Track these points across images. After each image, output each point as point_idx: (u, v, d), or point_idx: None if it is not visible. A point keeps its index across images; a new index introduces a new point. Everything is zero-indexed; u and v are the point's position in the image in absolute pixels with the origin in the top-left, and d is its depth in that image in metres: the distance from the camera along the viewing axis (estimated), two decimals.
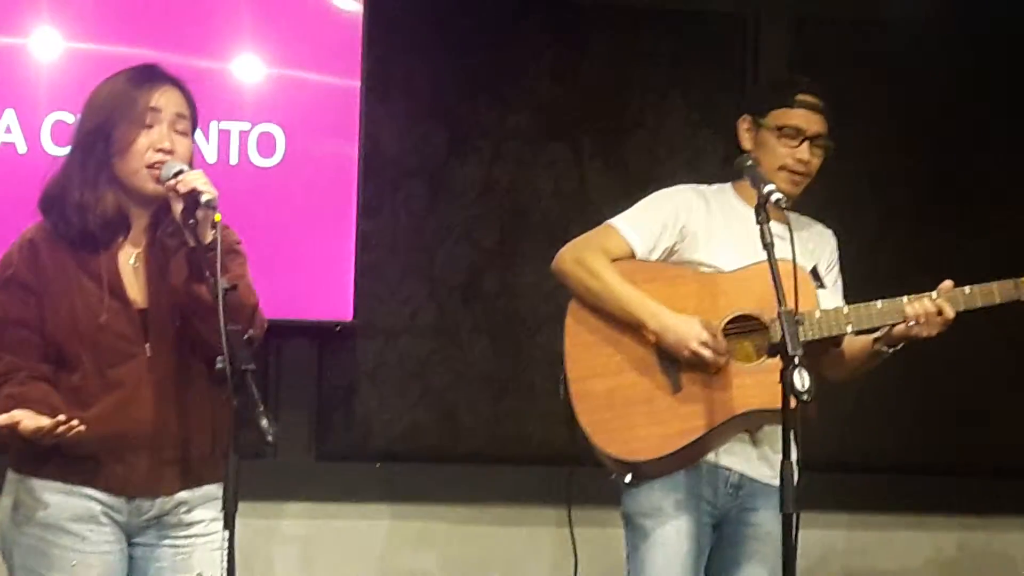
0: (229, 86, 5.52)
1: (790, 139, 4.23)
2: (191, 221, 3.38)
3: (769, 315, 4.02)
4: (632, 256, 4.20)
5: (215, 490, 3.48)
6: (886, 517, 6.05)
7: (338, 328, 5.63)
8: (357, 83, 5.57)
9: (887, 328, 4.11)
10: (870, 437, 5.92)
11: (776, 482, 4.02)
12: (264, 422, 3.19)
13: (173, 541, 3.55)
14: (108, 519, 3.49)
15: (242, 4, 5.55)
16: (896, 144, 6.02)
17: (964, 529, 6.10)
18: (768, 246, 3.78)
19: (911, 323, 4.05)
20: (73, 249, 3.51)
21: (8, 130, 5.34)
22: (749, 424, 4.10)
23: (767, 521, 4.11)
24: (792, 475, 3.61)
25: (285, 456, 5.47)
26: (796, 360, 3.57)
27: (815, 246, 4.30)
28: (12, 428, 3.34)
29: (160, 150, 3.49)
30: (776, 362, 3.78)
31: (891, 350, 4.15)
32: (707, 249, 4.20)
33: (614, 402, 4.10)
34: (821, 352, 4.10)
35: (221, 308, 3.23)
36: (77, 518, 3.46)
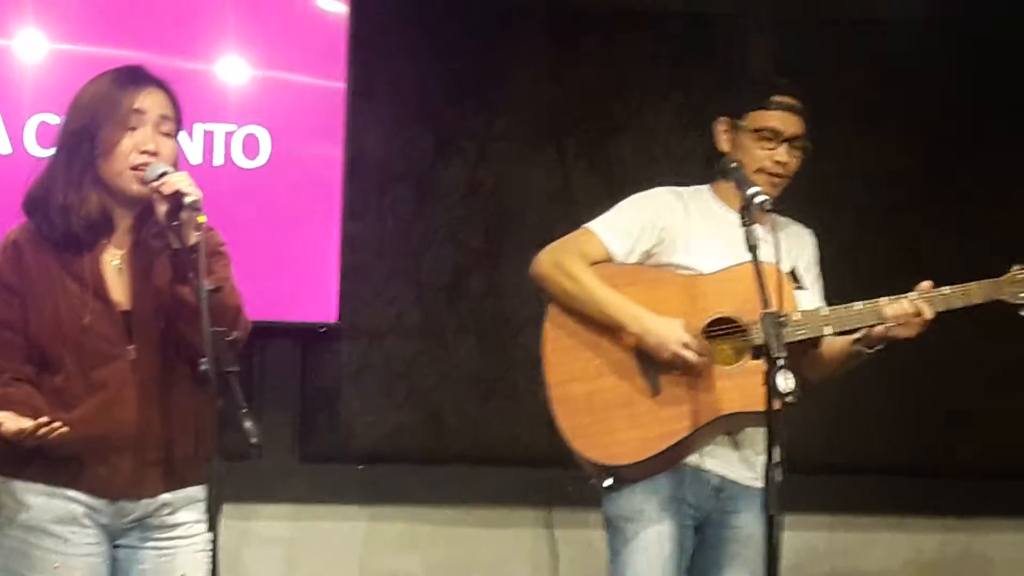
0: (214, 87, 5.52)
1: (768, 141, 4.22)
2: (175, 223, 3.38)
3: (749, 317, 4.02)
4: (610, 259, 4.19)
5: (198, 492, 3.48)
6: (868, 519, 6.05)
7: (323, 329, 5.63)
8: (342, 85, 5.57)
9: (866, 329, 4.10)
10: (852, 439, 5.93)
11: (757, 484, 4.05)
12: (248, 424, 3.19)
13: (156, 543, 3.54)
14: (91, 521, 3.48)
15: (227, 6, 5.55)
16: (893, 144, 6.04)
17: (946, 531, 6.11)
18: (753, 248, 3.77)
19: (890, 324, 4.05)
20: (57, 251, 3.50)
21: None
22: (730, 426, 4.10)
23: (748, 523, 4.12)
24: (776, 477, 3.60)
25: (269, 458, 5.48)
26: (780, 362, 3.57)
27: (794, 247, 4.30)
28: None
29: (144, 152, 3.49)
30: (757, 363, 3.80)
31: (871, 351, 4.15)
32: (686, 252, 4.20)
33: (594, 406, 4.11)
34: (800, 353, 4.11)
35: (205, 310, 3.23)
36: (59, 520, 3.46)
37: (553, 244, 4.26)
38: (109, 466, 3.47)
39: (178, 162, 3.57)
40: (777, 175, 4.23)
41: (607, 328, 4.13)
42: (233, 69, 5.55)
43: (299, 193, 5.55)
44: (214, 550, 3.25)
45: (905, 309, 4.04)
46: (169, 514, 3.53)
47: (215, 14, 5.53)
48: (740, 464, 4.16)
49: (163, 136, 3.53)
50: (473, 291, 5.82)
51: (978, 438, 6.01)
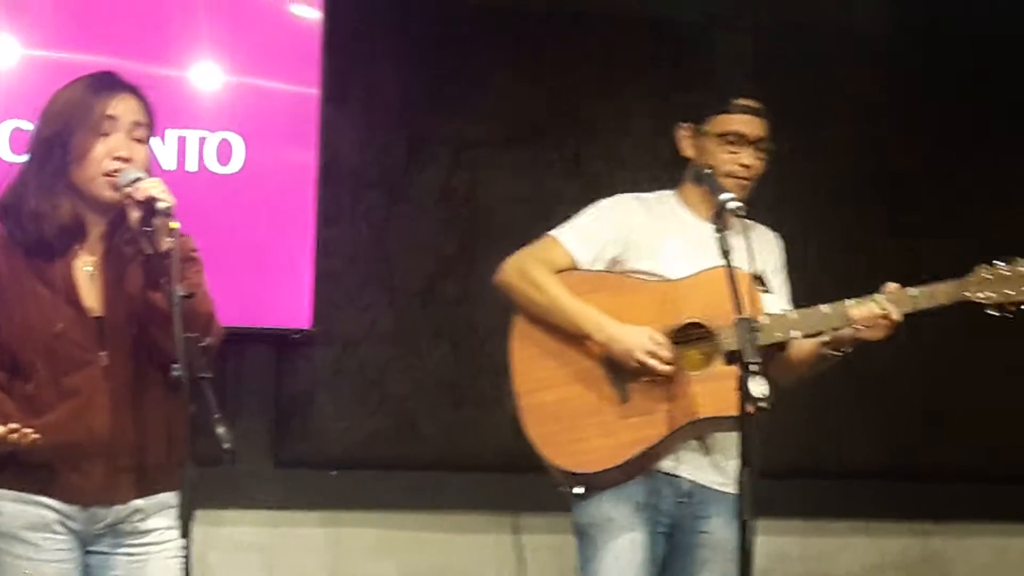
0: (188, 93, 5.52)
1: (732, 145, 4.22)
2: (147, 229, 3.37)
3: (716, 323, 4.02)
4: (575, 267, 4.19)
5: (171, 498, 3.47)
6: (841, 523, 6.08)
7: (296, 336, 5.63)
8: (316, 91, 5.57)
9: (834, 332, 4.09)
10: (825, 444, 5.95)
11: (728, 489, 4.06)
12: (221, 429, 3.19)
13: (128, 549, 3.53)
14: (63, 527, 3.47)
15: (201, 12, 5.54)
16: (868, 145, 6.06)
17: (918, 535, 6.14)
18: (727, 254, 3.78)
19: (857, 326, 4.04)
20: (29, 257, 3.49)
21: None
22: (700, 432, 4.09)
23: (719, 529, 4.12)
24: (749, 482, 3.60)
25: (242, 463, 5.48)
26: (753, 368, 3.57)
27: (762, 250, 4.29)
28: None
29: (117, 158, 3.48)
30: (726, 368, 3.81)
31: (838, 354, 4.13)
32: (651, 258, 4.19)
33: (562, 414, 4.10)
34: (768, 357, 4.10)
35: (177, 316, 3.23)
36: (31, 527, 3.44)
37: (518, 253, 4.26)
38: (81, 472, 3.46)
39: (151, 168, 3.56)
40: (743, 178, 4.22)
41: (574, 336, 4.13)
42: (207, 75, 5.55)
43: (273, 199, 5.55)
44: (186, 556, 3.24)
45: (872, 311, 4.03)
46: (141, 520, 3.52)
47: (189, 20, 5.52)
48: (711, 469, 4.15)
49: (136, 142, 3.53)
50: (447, 297, 5.82)
51: (950, 442, 6.04)
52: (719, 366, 4.02)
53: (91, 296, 3.51)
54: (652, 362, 4.02)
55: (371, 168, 5.81)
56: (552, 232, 4.26)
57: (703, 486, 4.15)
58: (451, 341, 5.82)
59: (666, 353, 4.03)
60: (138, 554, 3.53)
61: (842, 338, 4.09)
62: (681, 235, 4.22)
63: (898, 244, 5.96)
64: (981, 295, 4.07)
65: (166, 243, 3.34)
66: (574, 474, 4.10)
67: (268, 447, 5.71)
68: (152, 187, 3.39)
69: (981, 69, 6.15)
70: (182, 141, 5.46)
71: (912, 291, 4.08)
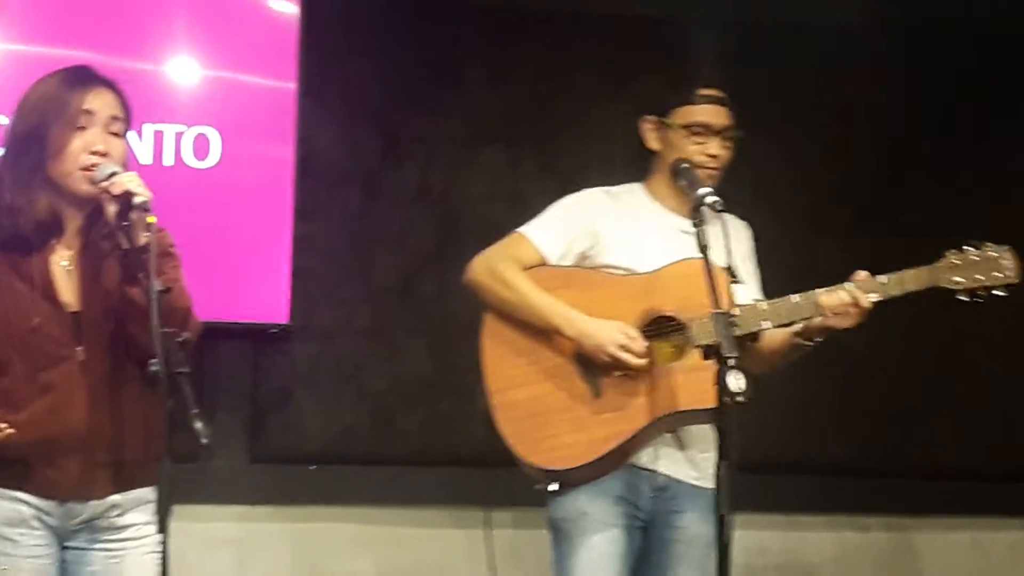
0: (164, 88, 5.51)
1: (698, 136, 4.20)
2: (124, 223, 3.37)
3: (688, 315, 4.02)
4: (544, 263, 4.18)
5: (148, 493, 3.47)
6: (819, 518, 6.09)
7: (274, 331, 5.62)
8: (293, 86, 5.57)
9: (805, 321, 4.07)
10: (805, 439, 5.96)
11: (702, 483, 4.05)
12: (198, 425, 3.18)
13: (105, 545, 3.52)
14: (40, 523, 3.46)
15: (177, 6, 5.53)
16: (838, 145, 6.08)
17: (897, 530, 6.16)
18: (704, 249, 3.77)
19: (828, 315, 4.02)
20: (5, 252, 3.48)
21: None
22: (674, 425, 4.09)
23: (694, 524, 4.12)
24: (727, 476, 3.57)
25: (220, 459, 5.48)
26: (731, 362, 3.55)
27: (732, 240, 4.26)
28: None
29: (94, 152, 3.47)
30: (698, 361, 3.79)
31: (810, 344, 4.11)
32: (620, 251, 4.18)
33: (535, 411, 4.09)
34: (740, 348, 4.09)
35: (155, 311, 3.22)
36: (8, 522, 3.43)
37: (486, 251, 4.25)
38: (57, 468, 3.45)
39: (128, 162, 3.56)
40: (712, 168, 4.20)
41: (544, 333, 4.12)
42: (183, 69, 5.54)
43: (250, 194, 5.54)
44: (164, 552, 3.23)
45: (842, 299, 4.00)
46: (118, 516, 3.52)
47: (166, 14, 5.52)
48: (685, 463, 4.14)
49: (113, 136, 3.52)
50: (423, 293, 5.81)
51: (927, 438, 6.05)
52: (691, 359, 3.99)
53: (68, 291, 3.51)
54: (624, 356, 4.01)
55: (348, 164, 5.81)
56: (520, 229, 4.25)
57: (678, 480, 4.14)
58: (428, 336, 5.81)
59: (638, 347, 4.02)
60: (115, 550, 3.52)
61: (813, 327, 4.06)
62: (650, 228, 4.21)
63: (898, 244, 5.97)
64: (951, 281, 4.05)
65: (143, 238, 3.34)
66: (548, 471, 4.09)
67: (245, 442, 5.71)
68: (129, 181, 3.38)
69: (980, 69, 6.17)
70: (159, 136, 5.45)
71: (881, 278, 4.05)
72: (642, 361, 4.03)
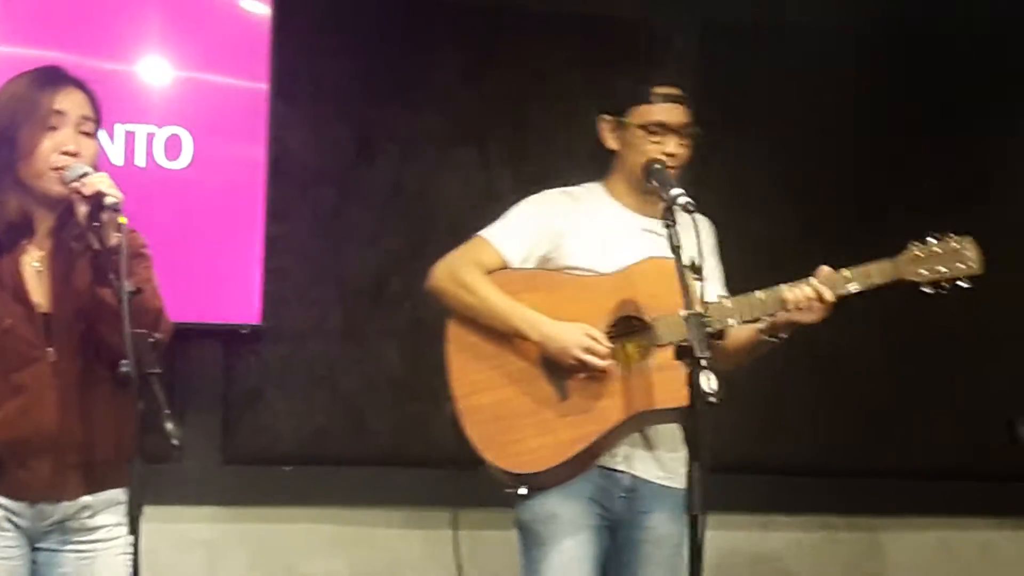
0: (136, 88, 5.49)
1: (655, 135, 4.17)
2: (95, 224, 3.36)
3: (652, 314, 4.02)
4: (506, 266, 4.17)
5: (119, 494, 3.47)
6: (789, 518, 6.11)
7: (245, 331, 5.61)
8: (265, 86, 5.56)
9: (770, 317, 4.06)
10: (775, 439, 5.97)
11: (670, 484, 4.06)
12: (169, 425, 3.18)
13: (76, 546, 3.52)
14: (11, 524, 3.45)
15: (150, 6, 5.51)
16: (810, 145, 6.09)
17: (867, 530, 6.17)
18: (676, 249, 3.78)
19: (793, 310, 4.01)
20: None
21: None
22: (641, 425, 4.08)
23: (661, 524, 4.13)
24: (698, 477, 3.56)
25: (192, 460, 5.47)
26: (704, 363, 3.54)
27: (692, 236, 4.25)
28: None
29: (66, 152, 3.47)
30: (664, 360, 3.80)
31: (775, 339, 4.10)
32: (583, 252, 4.17)
33: (502, 415, 4.07)
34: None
35: (126, 312, 3.21)
36: None
37: (448, 256, 4.23)
38: (28, 469, 3.44)
39: (99, 162, 3.55)
40: (670, 167, 4.17)
41: (509, 337, 4.10)
42: (155, 70, 5.52)
43: (222, 194, 5.53)
44: (135, 553, 3.23)
45: (806, 294, 4.00)
46: (89, 517, 3.51)
47: (137, 14, 5.49)
48: (653, 464, 4.14)
49: (84, 136, 3.52)
50: (396, 294, 5.80)
51: (896, 438, 6.07)
52: (658, 358, 3.99)
53: (39, 292, 3.50)
54: (588, 358, 4.00)
55: (321, 164, 5.80)
56: (481, 232, 4.24)
57: (646, 481, 4.14)
58: (400, 337, 5.81)
59: (602, 348, 4.01)
60: (86, 551, 3.52)
61: (779, 323, 4.06)
62: (611, 227, 4.20)
63: (872, 242, 5.99)
64: (915, 273, 4.05)
65: (114, 238, 3.33)
66: (516, 475, 4.08)
67: (217, 443, 5.69)
68: (100, 182, 3.38)
69: (952, 68, 6.20)
70: (130, 136, 5.43)
71: (845, 272, 4.05)
72: (607, 363, 4.02)
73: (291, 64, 5.65)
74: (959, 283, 4.05)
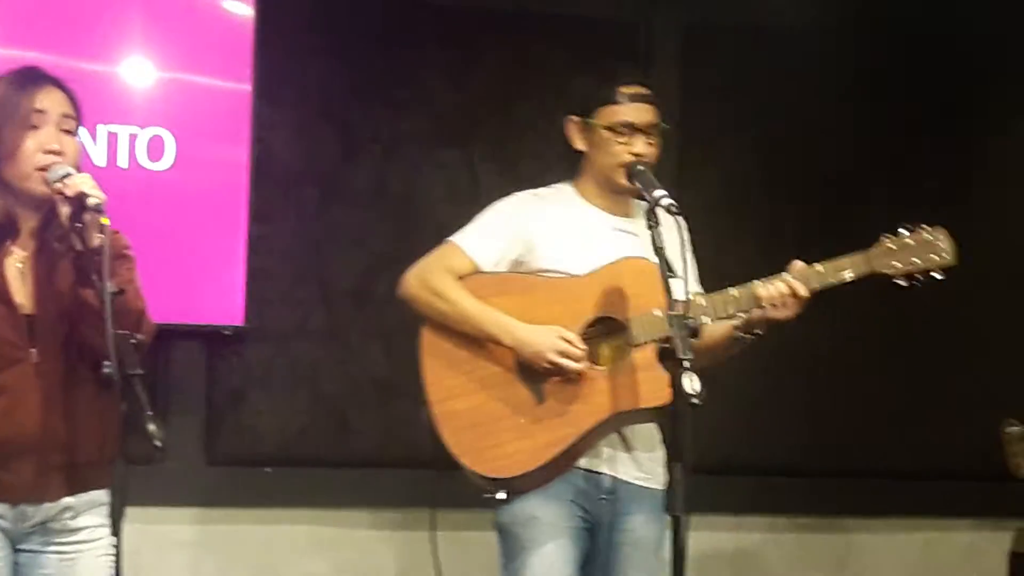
0: (119, 89, 5.48)
1: (622, 135, 4.14)
2: (78, 225, 3.35)
3: (627, 315, 3.99)
4: (478, 271, 4.15)
5: (102, 496, 3.46)
6: (769, 519, 6.11)
7: (228, 332, 5.61)
8: (248, 87, 5.55)
9: (745, 314, 4.04)
10: (757, 440, 5.98)
11: (649, 485, 4.05)
12: (152, 427, 3.18)
13: (58, 547, 3.51)
14: None
15: (131, 7, 5.51)
16: (793, 145, 6.10)
17: (850, 531, 6.18)
18: (660, 251, 3.78)
19: (767, 306, 3.99)
20: None
21: None
22: (617, 426, 4.07)
23: (640, 525, 4.12)
24: (681, 477, 3.56)
25: (175, 461, 5.45)
26: (686, 364, 3.53)
27: (664, 233, 4.21)
28: None
29: (49, 151, 3.46)
30: (640, 360, 3.80)
31: (750, 336, 4.07)
32: (554, 255, 4.14)
33: (477, 421, 4.05)
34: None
35: (108, 313, 3.21)
36: None
37: (419, 262, 4.21)
38: (10, 470, 3.43)
39: (82, 161, 3.55)
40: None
41: (482, 342, 4.08)
42: (138, 71, 5.52)
43: (205, 195, 5.52)
44: (117, 554, 3.22)
45: (780, 289, 3.97)
46: (71, 518, 3.50)
47: (120, 15, 5.49)
48: (631, 464, 4.13)
49: (66, 134, 3.51)
50: (379, 295, 5.79)
51: (877, 440, 6.08)
52: (634, 358, 3.98)
53: (22, 293, 3.49)
54: (563, 362, 3.98)
55: (304, 165, 5.79)
56: (451, 238, 4.22)
57: (625, 482, 4.13)
58: (383, 338, 5.80)
59: (577, 351, 3.99)
60: (68, 552, 3.51)
61: (753, 319, 4.04)
62: (582, 228, 4.18)
63: (858, 243, 6.00)
64: (888, 265, 4.02)
65: (97, 239, 3.32)
66: (494, 480, 4.06)
67: (200, 444, 5.69)
68: (82, 183, 3.37)
69: (935, 70, 6.21)
70: (113, 137, 5.42)
71: (819, 267, 4.02)
72: (582, 365, 4.00)
73: (274, 65, 5.64)
74: (933, 275, 4.02)
